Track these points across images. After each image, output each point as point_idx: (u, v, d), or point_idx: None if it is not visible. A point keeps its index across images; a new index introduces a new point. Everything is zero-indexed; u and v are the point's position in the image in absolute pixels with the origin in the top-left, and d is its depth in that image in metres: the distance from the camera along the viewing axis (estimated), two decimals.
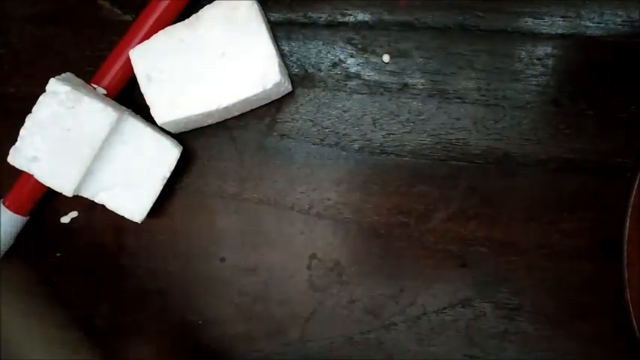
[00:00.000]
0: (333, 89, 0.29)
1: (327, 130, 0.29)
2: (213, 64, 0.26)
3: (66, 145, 0.26)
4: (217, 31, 0.26)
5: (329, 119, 0.29)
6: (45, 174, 0.26)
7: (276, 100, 0.29)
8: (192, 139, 0.29)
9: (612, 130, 0.27)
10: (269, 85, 0.26)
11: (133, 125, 0.27)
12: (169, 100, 0.26)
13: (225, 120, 0.29)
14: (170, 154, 0.27)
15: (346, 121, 0.29)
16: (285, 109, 0.29)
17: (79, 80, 0.27)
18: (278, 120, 0.29)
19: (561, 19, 0.28)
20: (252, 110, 0.29)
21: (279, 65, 0.26)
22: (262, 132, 0.29)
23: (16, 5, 0.30)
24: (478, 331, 0.27)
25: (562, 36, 0.28)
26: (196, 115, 0.27)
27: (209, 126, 0.29)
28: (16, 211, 0.27)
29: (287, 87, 0.28)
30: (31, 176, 0.27)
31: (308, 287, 0.28)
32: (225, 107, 0.26)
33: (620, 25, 0.28)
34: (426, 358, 0.28)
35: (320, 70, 0.29)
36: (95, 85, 0.27)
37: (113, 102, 0.27)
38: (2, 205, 0.28)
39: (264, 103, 0.28)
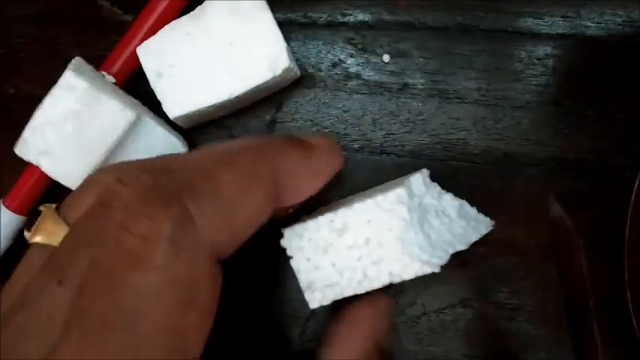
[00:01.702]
0: (333, 89, 0.29)
1: (327, 130, 0.29)
2: (222, 55, 0.26)
3: (78, 142, 0.25)
4: (223, 21, 0.26)
5: (329, 119, 0.29)
6: (54, 169, 0.26)
7: (277, 99, 0.29)
8: (191, 139, 0.29)
9: (612, 130, 0.27)
10: (279, 71, 0.26)
11: (146, 124, 0.27)
12: (180, 94, 0.26)
13: (226, 119, 0.29)
14: (179, 151, 0.27)
15: (346, 121, 0.29)
16: (285, 109, 0.29)
17: (89, 67, 0.27)
18: (278, 120, 0.29)
19: (561, 19, 0.28)
20: (252, 110, 0.29)
21: (287, 50, 0.26)
22: (262, 132, 0.29)
23: (16, 5, 0.30)
24: (478, 331, 0.27)
25: (562, 36, 0.28)
26: (208, 107, 0.26)
27: (210, 126, 0.29)
28: (15, 211, 0.27)
29: (296, 72, 0.28)
30: (31, 176, 0.27)
31: None
32: (237, 97, 0.26)
33: (620, 25, 0.28)
34: (425, 358, 0.28)
35: (320, 70, 0.29)
36: (104, 73, 0.27)
37: (126, 95, 0.27)
38: (2, 205, 0.28)
39: (274, 90, 0.28)
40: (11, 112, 0.26)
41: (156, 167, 0.18)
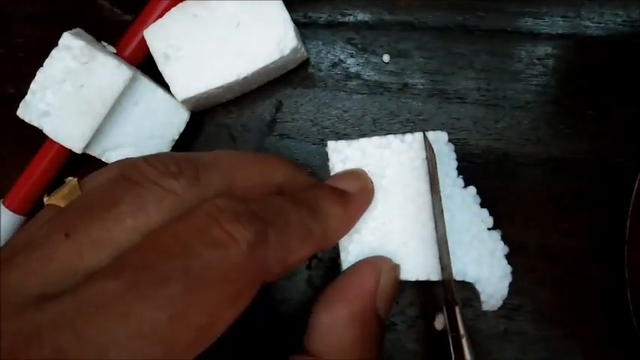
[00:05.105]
0: (333, 89, 0.29)
1: (327, 130, 0.29)
2: (229, 36, 0.26)
3: (78, 101, 0.25)
4: (230, 2, 0.26)
5: (329, 119, 0.29)
6: (55, 130, 0.26)
7: (276, 99, 0.29)
8: (191, 138, 0.29)
9: (612, 130, 0.27)
10: (286, 51, 0.26)
11: (145, 85, 0.27)
12: (188, 76, 0.26)
13: (225, 119, 0.29)
14: (180, 116, 0.27)
15: (346, 121, 0.29)
16: (285, 109, 0.29)
17: (90, 36, 0.27)
18: (278, 120, 0.29)
19: (561, 19, 0.28)
20: (252, 110, 0.29)
21: (295, 30, 0.26)
22: (262, 132, 0.29)
23: (16, 5, 0.30)
24: (478, 331, 0.27)
25: (562, 36, 0.28)
26: (216, 89, 0.26)
27: (208, 126, 0.29)
28: (15, 211, 0.27)
29: (303, 53, 0.28)
30: (31, 176, 0.27)
31: (308, 287, 0.28)
32: (245, 77, 0.26)
33: (620, 25, 0.28)
34: (425, 358, 0.28)
35: (320, 70, 0.29)
36: (105, 43, 0.27)
37: (124, 61, 0.27)
38: (2, 205, 0.28)
39: (281, 72, 0.28)
40: (11, 112, 0.26)
41: (187, 157, 0.19)
